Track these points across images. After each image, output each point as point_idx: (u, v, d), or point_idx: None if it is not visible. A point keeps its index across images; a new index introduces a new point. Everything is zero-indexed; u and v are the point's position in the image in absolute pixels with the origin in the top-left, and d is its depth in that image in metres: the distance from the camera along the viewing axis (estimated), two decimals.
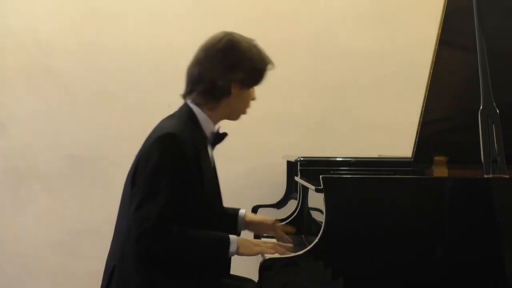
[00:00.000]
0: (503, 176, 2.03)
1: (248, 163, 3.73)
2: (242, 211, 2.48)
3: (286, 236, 2.48)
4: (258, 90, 3.73)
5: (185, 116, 2.21)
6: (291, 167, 3.24)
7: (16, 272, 3.72)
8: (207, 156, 2.23)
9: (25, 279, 3.72)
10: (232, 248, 2.09)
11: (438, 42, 2.27)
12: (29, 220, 3.73)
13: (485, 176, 2.05)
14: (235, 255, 2.14)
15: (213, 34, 2.28)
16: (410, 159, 2.41)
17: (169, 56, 3.72)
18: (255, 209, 3.28)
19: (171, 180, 2.04)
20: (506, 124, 2.13)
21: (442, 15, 2.25)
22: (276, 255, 2.09)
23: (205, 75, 2.19)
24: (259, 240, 2.27)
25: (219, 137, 2.30)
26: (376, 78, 3.77)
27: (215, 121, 2.27)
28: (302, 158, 2.86)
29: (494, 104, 2.10)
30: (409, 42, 3.73)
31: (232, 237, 2.12)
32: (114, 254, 2.16)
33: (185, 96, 2.26)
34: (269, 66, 2.27)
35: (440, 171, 2.44)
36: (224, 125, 3.76)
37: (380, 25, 3.78)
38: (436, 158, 2.45)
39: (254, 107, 3.75)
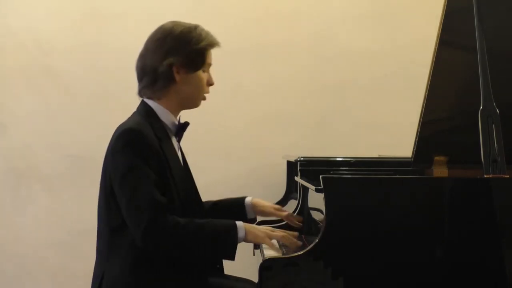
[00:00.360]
0: (503, 176, 2.03)
1: (248, 163, 3.73)
2: (248, 199, 2.49)
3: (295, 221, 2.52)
4: (259, 89, 3.77)
5: (142, 111, 2.23)
6: (291, 167, 3.24)
7: (16, 272, 3.72)
8: (172, 147, 2.23)
9: (25, 279, 3.72)
10: (240, 233, 2.08)
11: (438, 42, 2.27)
12: (29, 220, 3.73)
13: (485, 176, 2.05)
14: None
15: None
16: (410, 159, 2.40)
17: None
18: None
19: (146, 172, 2.04)
20: (506, 124, 2.13)
21: (442, 15, 2.25)
22: (276, 255, 2.09)
23: (146, 66, 2.21)
24: (267, 228, 2.23)
25: (181, 127, 2.29)
26: (376, 78, 3.77)
27: (174, 112, 2.26)
28: (302, 158, 2.86)
29: (494, 104, 2.10)
30: (409, 42, 3.73)
31: (239, 223, 2.11)
32: (102, 260, 2.16)
33: (138, 93, 2.27)
34: (210, 46, 2.24)
35: (440, 171, 2.44)
36: (223, 126, 3.76)
37: (380, 25, 3.78)
38: (436, 158, 2.44)
39: (254, 107, 3.78)
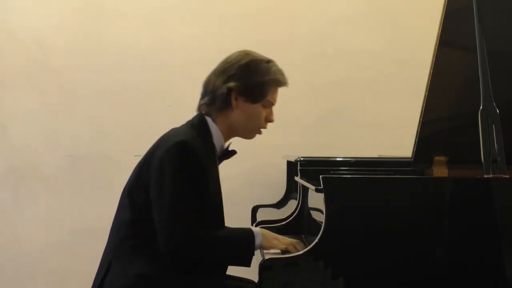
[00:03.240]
0: (503, 176, 2.03)
1: (248, 163, 3.73)
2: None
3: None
4: None
5: (197, 125, 2.22)
6: (291, 167, 3.24)
7: (16, 272, 3.72)
8: (216, 170, 2.23)
9: (25, 279, 3.72)
10: (258, 240, 2.11)
11: (438, 42, 2.27)
12: (29, 220, 3.73)
13: (485, 176, 2.05)
14: None
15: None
16: (410, 159, 2.40)
17: (169, 56, 3.72)
18: (255, 209, 3.28)
19: (191, 189, 2.04)
20: (506, 124, 2.13)
21: (442, 15, 2.25)
22: (276, 255, 2.09)
23: (209, 84, 2.23)
24: (277, 235, 2.25)
25: (228, 153, 2.30)
26: (376, 78, 3.77)
27: (225, 136, 2.26)
28: (302, 158, 2.86)
29: (494, 104, 2.10)
30: (409, 42, 3.73)
31: (255, 229, 2.15)
32: (111, 249, 2.17)
33: (197, 108, 2.27)
34: (273, 82, 2.24)
35: (440, 171, 2.44)
36: None
37: (380, 25, 3.79)
38: (436, 158, 2.44)
39: None
